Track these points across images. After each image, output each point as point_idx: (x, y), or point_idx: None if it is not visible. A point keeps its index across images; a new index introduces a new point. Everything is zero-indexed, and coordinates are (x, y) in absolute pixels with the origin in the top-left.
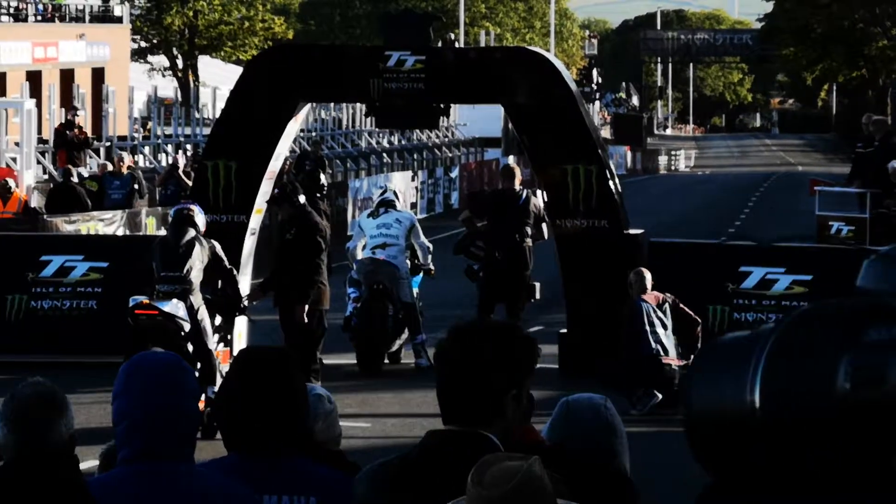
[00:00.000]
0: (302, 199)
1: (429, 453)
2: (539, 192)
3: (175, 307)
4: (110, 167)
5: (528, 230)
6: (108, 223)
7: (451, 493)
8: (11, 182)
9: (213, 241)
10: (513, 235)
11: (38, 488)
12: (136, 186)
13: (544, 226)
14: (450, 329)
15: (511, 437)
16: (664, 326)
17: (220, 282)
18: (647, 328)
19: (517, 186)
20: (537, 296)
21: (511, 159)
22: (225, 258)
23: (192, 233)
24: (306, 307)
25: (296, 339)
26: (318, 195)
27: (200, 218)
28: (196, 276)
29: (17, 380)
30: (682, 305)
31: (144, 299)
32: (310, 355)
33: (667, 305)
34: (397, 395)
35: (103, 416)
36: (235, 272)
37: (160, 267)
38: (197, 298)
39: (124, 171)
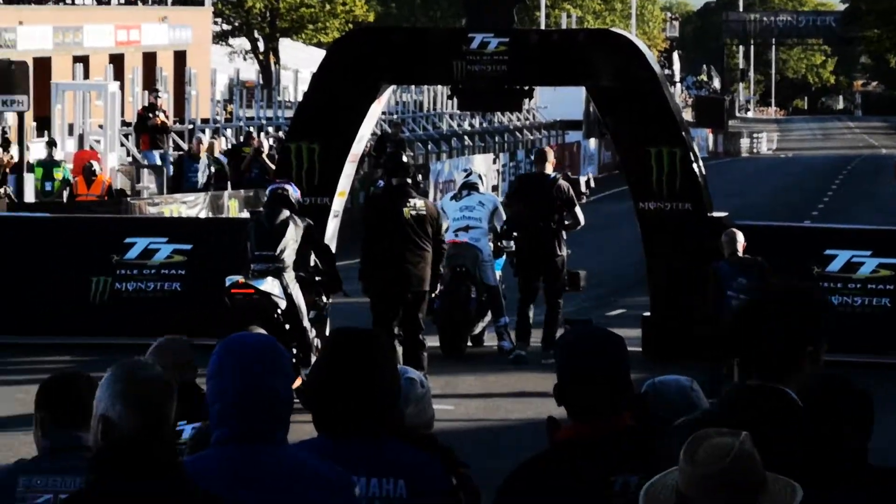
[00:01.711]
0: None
1: (731, 407)
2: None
3: (271, 285)
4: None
5: (556, 215)
6: (190, 205)
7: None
8: (96, 165)
9: (308, 219)
10: (538, 219)
11: (143, 469)
12: (212, 169)
13: (578, 211)
14: (755, 289)
15: (608, 424)
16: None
17: (313, 261)
18: (731, 293)
19: (548, 171)
20: (582, 284)
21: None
22: (319, 236)
23: (286, 213)
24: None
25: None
26: (408, 177)
27: (294, 197)
28: (290, 255)
29: (101, 361)
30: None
31: (240, 278)
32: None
33: (757, 270)
34: (480, 378)
35: None
36: (332, 250)
37: (255, 246)
38: (291, 277)
39: (202, 154)
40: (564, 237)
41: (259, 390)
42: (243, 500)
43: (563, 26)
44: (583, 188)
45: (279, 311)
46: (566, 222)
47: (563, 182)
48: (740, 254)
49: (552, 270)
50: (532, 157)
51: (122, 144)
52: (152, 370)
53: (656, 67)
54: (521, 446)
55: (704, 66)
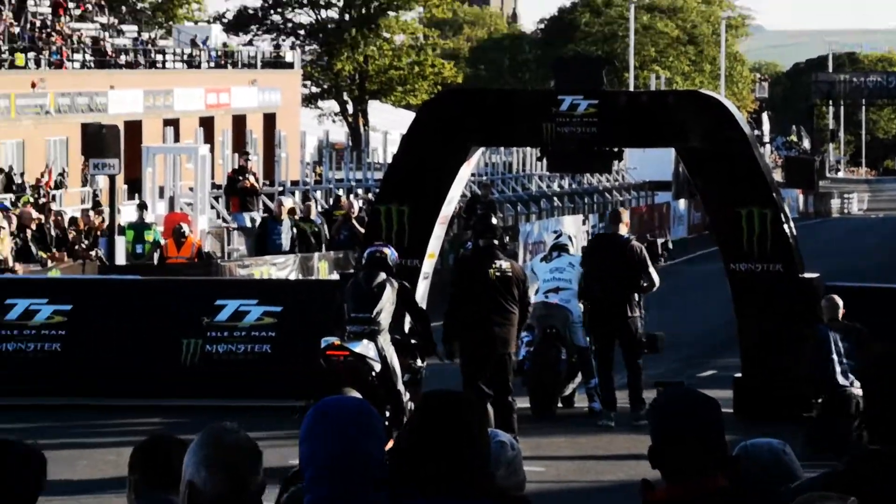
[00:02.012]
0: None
1: (855, 471)
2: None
3: (366, 348)
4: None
5: (628, 277)
6: (280, 267)
7: None
8: (186, 227)
9: (404, 282)
10: (610, 281)
11: None
12: (295, 231)
13: (652, 272)
14: (883, 355)
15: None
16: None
17: (408, 323)
18: (835, 356)
19: (622, 231)
20: (661, 346)
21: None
22: (416, 301)
23: (382, 275)
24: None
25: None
26: (495, 238)
27: (392, 260)
28: (385, 318)
29: (191, 423)
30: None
31: (336, 340)
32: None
33: (856, 336)
34: (571, 439)
35: (278, 460)
36: (427, 314)
37: (351, 308)
38: (386, 339)
39: (284, 216)
40: (638, 299)
41: (352, 453)
42: None
43: (652, 87)
44: (660, 251)
45: (374, 373)
46: (642, 284)
47: (635, 243)
48: (840, 319)
49: (625, 332)
50: (606, 218)
51: (213, 207)
52: (237, 435)
53: (746, 128)
54: None
55: (794, 127)
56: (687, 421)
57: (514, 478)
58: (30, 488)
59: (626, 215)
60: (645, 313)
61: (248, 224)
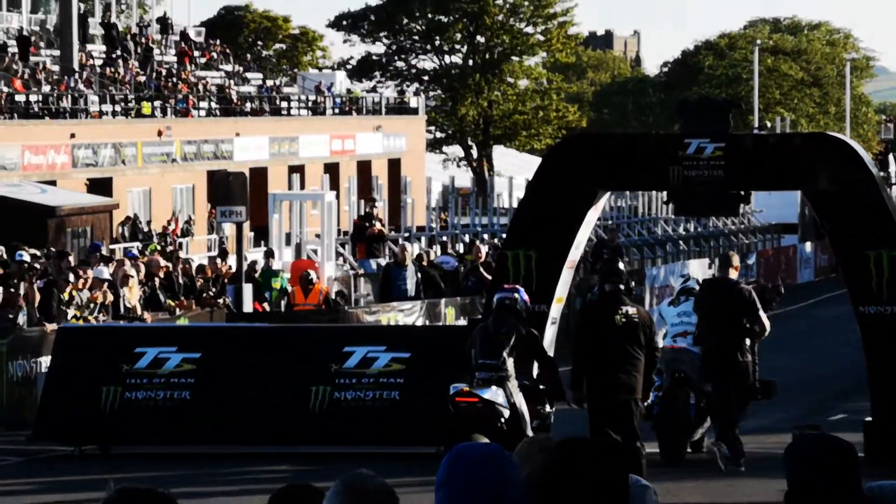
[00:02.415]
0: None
1: None
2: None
3: (494, 394)
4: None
5: (742, 321)
6: (407, 313)
7: None
8: (313, 274)
9: (531, 329)
10: (719, 325)
11: None
12: (419, 276)
13: (762, 316)
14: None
15: None
16: None
17: (536, 369)
18: None
19: (732, 275)
20: (773, 393)
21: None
22: (544, 347)
23: (511, 321)
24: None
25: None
26: (620, 283)
27: (522, 303)
28: (513, 364)
29: (320, 471)
30: None
31: (465, 387)
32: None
33: None
34: (700, 485)
35: None
36: (554, 360)
37: (479, 354)
38: (515, 385)
39: (408, 262)
40: (749, 344)
41: (488, 500)
42: None
43: (777, 130)
44: (771, 295)
45: (503, 419)
46: (752, 328)
47: (744, 287)
48: None
49: (736, 376)
50: (717, 262)
51: (339, 253)
52: (374, 482)
53: (873, 169)
54: None
55: None
56: (824, 466)
57: None
58: None
59: (736, 259)
60: (756, 359)
61: (375, 270)
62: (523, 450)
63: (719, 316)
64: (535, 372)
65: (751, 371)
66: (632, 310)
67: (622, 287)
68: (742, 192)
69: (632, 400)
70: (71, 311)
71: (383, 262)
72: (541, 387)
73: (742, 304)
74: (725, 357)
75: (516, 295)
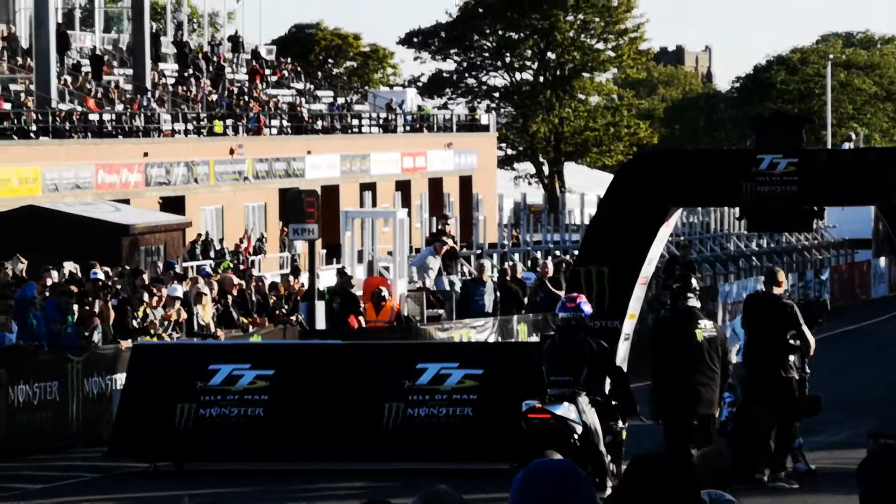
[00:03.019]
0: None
1: None
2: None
3: (567, 410)
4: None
5: (786, 337)
6: (479, 330)
7: None
8: (385, 291)
9: (602, 342)
10: (763, 341)
11: None
12: (498, 294)
13: (806, 332)
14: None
15: None
16: None
17: (608, 385)
18: None
19: (777, 291)
20: (820, 409)
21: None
22: (613, 359)
23: (581, 336)
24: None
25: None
26: (696, 299)
27: (586, 313)
28: (584, 379)
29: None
30: None
31: (537, 403)
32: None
33: None
34: (776, 500)
35: None
36: (625, 372)
37: (550, 370)
38: (586, 401)
39: (485, 278)
40: (794, 360)
41: None
42: None
43: (850, 145)
44: (816, 310)
45: (576, 435)
46: (795, 343)
47: (787, 302)
48: None
49: (780, 392)
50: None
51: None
52: (452, 498)
53: None
54: None
55: None
56: None
57: None
58: None
59: (781, 275)
60: (807, 374)
61: (448, 287)
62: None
63: (763, 331)
64: (608, 388)
65: (795, 387)
66: (710, 325)
67: (698, 303)
68: (815, 208)
69: (711, 415)
70: (147, 332)
71: (456, 279)
72: (613, 402)
73: (785, 319)
74: (768, 372)
75: (580, 313)
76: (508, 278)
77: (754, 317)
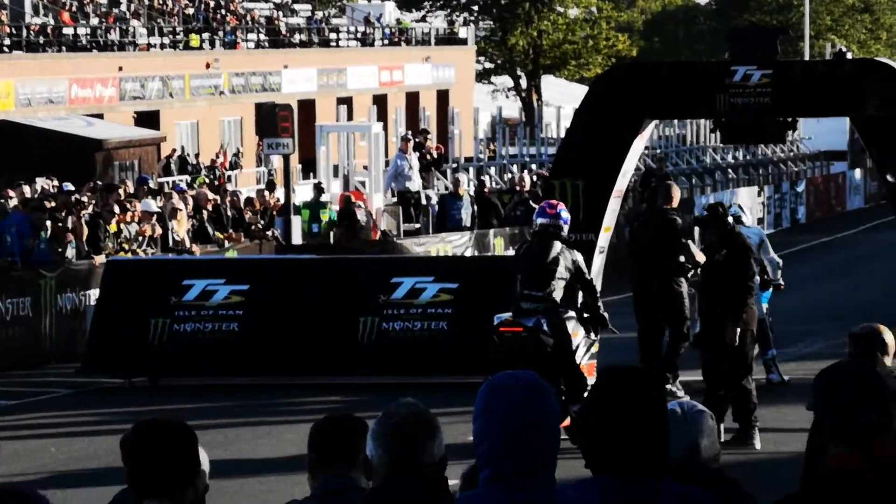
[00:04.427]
0: (730, 220)
1: None
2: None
3: (539, 323)
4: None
5: (674, 252)
6: (456, 244)
7: None
8: (361, 206)
9: (576, 252)
10: (654, 255)
11: None
12: (474, 207)
13: (692, 247)
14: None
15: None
16: None
17: (581, 297)
18: None
19: (669, 206)
20: (689, 338)
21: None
22: (587, 271)
23: (557, 247)
24: (738, 329)
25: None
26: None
27: (564, 221)
28: (558, 293)
29: (369, 401)
30: None
31: (509, 316)
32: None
33: None
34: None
35: (457, 436)
36: (596, 285)
37: (524, 283)
38: (560, 314)
39: (461, 192)
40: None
41: (524, 429)
42: None
43: (828, 57)
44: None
45: (548, 348)
46: (679, 259)
47: (673, 217)
48: None
49: (668, 304)
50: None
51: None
52: (410, 409)
53: None
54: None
55: None
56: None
57: (713, 447)
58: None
59: (676, 192)
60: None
61: (424, 201)
62: None
63: (651, 245)
64: (580, 300)
65: (681, 300)
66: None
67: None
68: (789, 120)
69: (749, 331)
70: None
71: (432, 193)
72: (585, 315)
73: (670, 233)
74: (655, 285)
75: (559, 221)
76: (487, 191)
77: (642, 230)
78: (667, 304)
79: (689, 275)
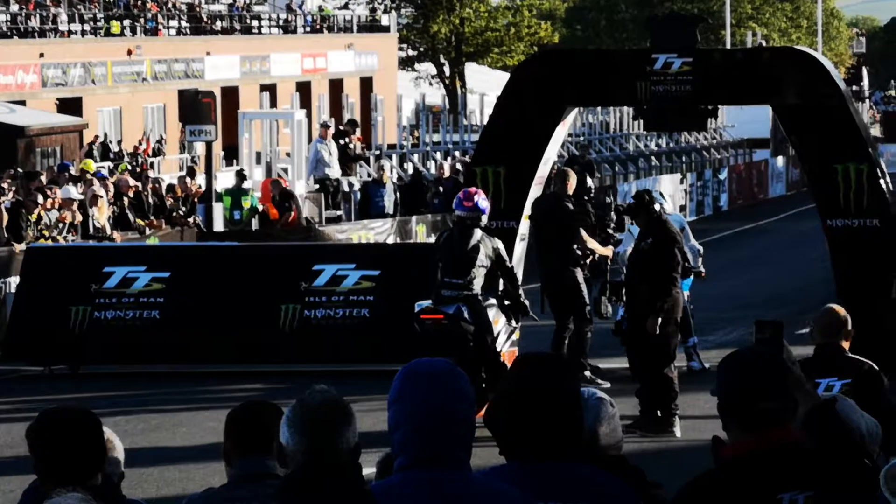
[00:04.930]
0: (657, 207)
1: None
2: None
3: (460, 311)
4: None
5: (567, 237)
6: (378, 231)
7: None
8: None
9: (496, 239)
10: (549, 241)
11: (327, 496)
12: (398, 195)
13: (583, 234)
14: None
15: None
16: None
17: (501, 282)
18: None
19: (565, 192)
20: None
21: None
22: (507, 258)
23: (477, 235)
24: (659, 319)
25: (646, 351)
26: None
27: (483, 208)
28: (479, 281)
29: (291, 388)
30: None
31: (430, 304)
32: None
33: None
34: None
35: (376, 423)
36: (517, 272)
37: (444, 271)
38: (480, 301)
39: (385, 179)
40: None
41: (439, 415)
42: None
43: (749, 44)
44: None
45: (469, 336)
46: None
47: (566, 204)
48: None
49: (564, 292)
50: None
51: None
52: (323, 395)
53: (841, 84)
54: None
55: (893, 82)
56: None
57: (614, 435)
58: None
59: (572, 177)
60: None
61: (347, 188)
62: None
63: (546, 231)
64: (501, 287)
65: (576, 287)
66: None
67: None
68: (710, 107)
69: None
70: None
71: (355, 181)
72: (506, 302)
73: (564, 219)
74: (552, 271)
75: (478, 212)
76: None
77: (539, 216)
78: (562, 291)
79: (588, 261)
